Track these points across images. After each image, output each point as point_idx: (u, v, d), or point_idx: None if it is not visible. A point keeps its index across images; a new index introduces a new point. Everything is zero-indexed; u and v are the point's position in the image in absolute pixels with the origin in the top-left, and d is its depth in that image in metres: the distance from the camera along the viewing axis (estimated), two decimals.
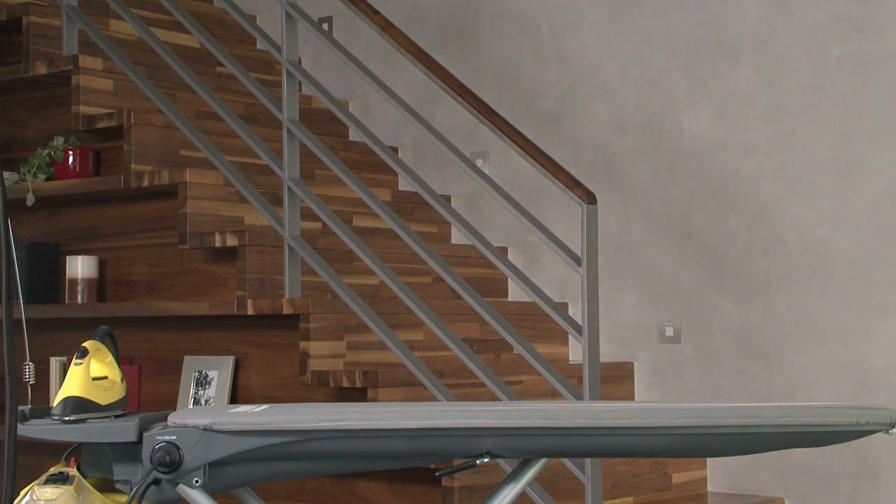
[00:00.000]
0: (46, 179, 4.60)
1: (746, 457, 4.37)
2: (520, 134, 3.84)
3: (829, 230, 4.32)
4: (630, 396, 4.65)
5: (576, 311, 4.70)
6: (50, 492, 2.26)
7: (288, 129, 4.14)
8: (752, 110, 4.49)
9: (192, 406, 4.17)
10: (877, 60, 4.26)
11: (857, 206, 4.27)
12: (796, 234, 4.39)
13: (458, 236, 5.12)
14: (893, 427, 2.27)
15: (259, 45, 5.58)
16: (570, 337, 4.76)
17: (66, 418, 2.27)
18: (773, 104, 4.45)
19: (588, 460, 3.57)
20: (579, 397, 3.63)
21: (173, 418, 2.21)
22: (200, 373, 4.22)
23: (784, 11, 4.44)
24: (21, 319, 3.27)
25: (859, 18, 4.30)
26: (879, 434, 3.90)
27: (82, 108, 4.58)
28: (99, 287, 4.54)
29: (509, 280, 4.68)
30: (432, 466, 3.58)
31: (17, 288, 4.20)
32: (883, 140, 4.23)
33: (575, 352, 4.78)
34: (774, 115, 4.44)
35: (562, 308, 3.87)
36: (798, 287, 4.36)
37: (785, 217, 4.42)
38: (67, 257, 4.53)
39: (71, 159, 4.54)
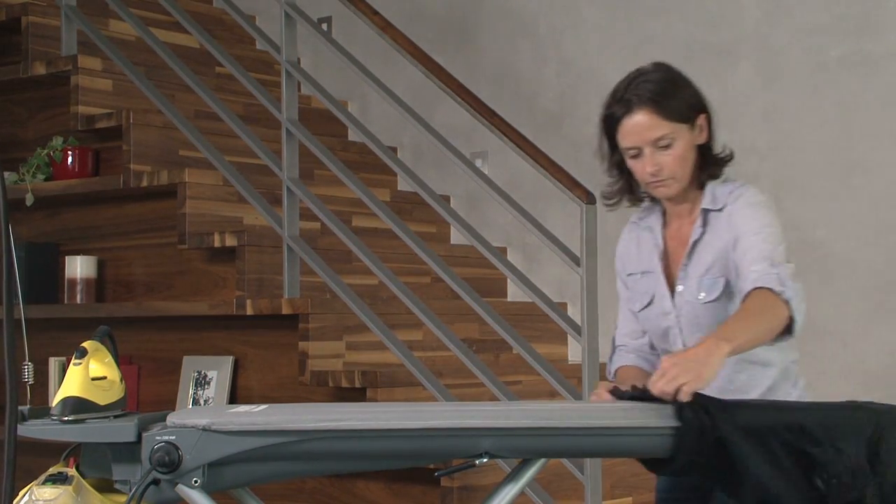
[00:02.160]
0: (46, 179, 4.59)
1: None
2: (519, 134, 3.84)
3: (829, 230, 4.31)
4: None
5: (575, 312, 4.68)
6: (49, 492, 2.25)
7: (287, 129, 4.14)
8: (752, 110, 4.48)
9: (191, 406, 4.17)
10: (877, 60, 4.25)
11: (857, 206, 4.27)
12: (796, 234, 4.38)
13: (457, 236, 5.12)
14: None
15: (258, 46, 5.57)
16: (569, 337, 4.75)
17: (66, 418, 2.27)
18: (773, 104, 4.44)
19: (588, 460, 3.57)
20: (579, 397, 3.63)
21: (172, 418, 2.21)
22: (199, 373, 4.22)
23: (783, 11, 4.44)
24: (21, 319, 3.27)
25: (859, 18, 4.29)
26: None
27: (81, 108, 4.58)
28: (98, 287, 4.54)
29: (508, 280, 4.67)
30: (431, 466, 3.57)
31: (16, 288, 4.20)
32: (883, 140, 4.23)
33: (574, 352, 4.77)
34: (774, 115, 4.44)
35: (561, 308, 3.87)
36: None
37: (785, 217, 4.39)
38: (67, 257, 4.53)
39: (70, 159, 4.54)
